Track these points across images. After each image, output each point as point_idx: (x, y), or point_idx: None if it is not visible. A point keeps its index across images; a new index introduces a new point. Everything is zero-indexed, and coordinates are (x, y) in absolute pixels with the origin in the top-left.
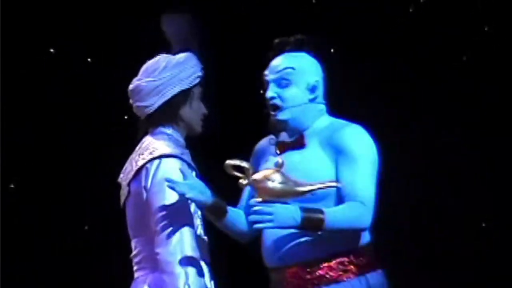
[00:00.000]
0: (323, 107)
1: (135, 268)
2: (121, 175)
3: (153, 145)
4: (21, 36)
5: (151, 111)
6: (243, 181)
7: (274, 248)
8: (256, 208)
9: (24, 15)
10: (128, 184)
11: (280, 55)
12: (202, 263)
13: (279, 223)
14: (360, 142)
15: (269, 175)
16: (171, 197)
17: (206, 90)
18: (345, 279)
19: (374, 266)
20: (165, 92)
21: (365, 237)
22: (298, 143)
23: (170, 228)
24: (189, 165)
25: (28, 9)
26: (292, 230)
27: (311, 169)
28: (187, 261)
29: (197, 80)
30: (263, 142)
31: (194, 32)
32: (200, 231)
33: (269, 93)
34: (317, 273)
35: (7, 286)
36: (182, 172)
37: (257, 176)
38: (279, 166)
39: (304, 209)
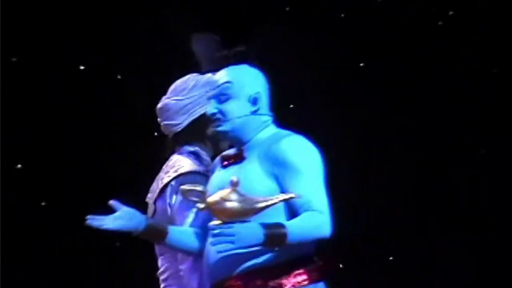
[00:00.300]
0: (267, 118)
1: (162, 286)
2: (149, 195)
3: (179, 163)
4: (21, 35)
5: (179, 129)
6: (199, 205)
7: (210, 263)
8: (216, 231)
9: (24, 15)
10: (154, 202)
11: (221, 70)
12: None
13: (242, 243)
14: (299, 152)
15: (226, 195)
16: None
17: None
18: None
19: (312, 279)
20: (194, 111)
21: (305, 248)
22: (239, 156)
23: None
24: None
25: (28, 9)
26: None
27: (247, 183)
28: None
29: None
30: (219, 156)
31: (222, 52)
32: None
33: (210, 109)
34: (250, 286)
35: (7, 286)
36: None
37: (213, 198)
38: (234, 185)
39: (265, 226)
